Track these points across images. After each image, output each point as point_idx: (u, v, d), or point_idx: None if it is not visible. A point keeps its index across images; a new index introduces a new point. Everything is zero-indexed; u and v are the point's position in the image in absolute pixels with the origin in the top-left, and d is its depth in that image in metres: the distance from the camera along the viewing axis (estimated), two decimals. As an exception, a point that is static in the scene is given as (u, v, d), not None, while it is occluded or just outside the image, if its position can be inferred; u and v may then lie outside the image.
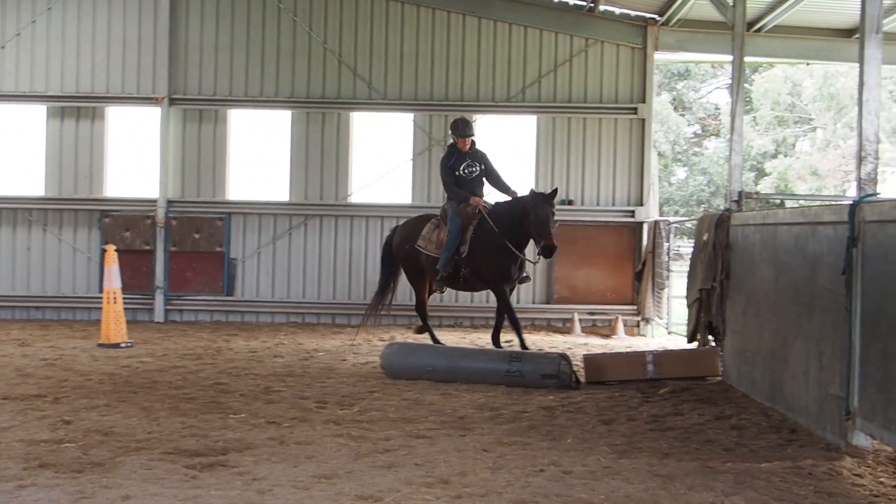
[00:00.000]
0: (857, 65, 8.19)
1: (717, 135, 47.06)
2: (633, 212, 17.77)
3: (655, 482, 6.57)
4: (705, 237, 11.62)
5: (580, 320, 17.37)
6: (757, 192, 12.86)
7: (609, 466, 7.05)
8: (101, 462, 6.94)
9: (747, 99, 39.30)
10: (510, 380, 10.76)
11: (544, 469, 6.94)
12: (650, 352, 11.65)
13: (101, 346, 14.01)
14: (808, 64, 27.85)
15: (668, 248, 16.76)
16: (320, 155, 18.25)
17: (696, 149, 48.61)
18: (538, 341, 15.61)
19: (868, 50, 8.03)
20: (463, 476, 6.70)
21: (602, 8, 17.92)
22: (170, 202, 18.16)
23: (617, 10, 18.04)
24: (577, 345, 15.25)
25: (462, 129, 13.88)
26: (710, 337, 11.89)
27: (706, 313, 11.71)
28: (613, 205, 17.99)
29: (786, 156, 43.37)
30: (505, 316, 13.45)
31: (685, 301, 12.87)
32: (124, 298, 14.83)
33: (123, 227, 18.21)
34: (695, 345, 12.30)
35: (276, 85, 18.28)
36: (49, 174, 18.43)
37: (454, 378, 10.93)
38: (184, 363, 12.46)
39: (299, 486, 6.37)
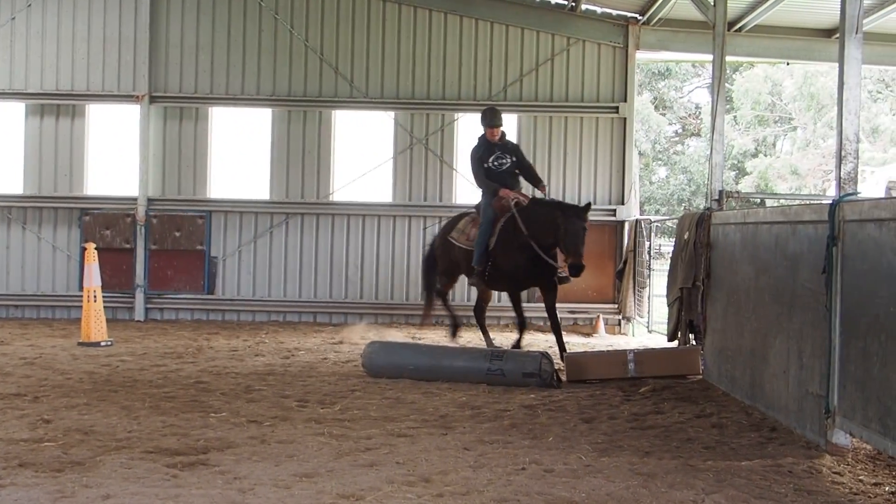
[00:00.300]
0: (837, 65, 8.23)
1: (698, 134, 47.24)
2: (614, 211, 17.81)
3: (636, 480, 6.58)
4: (686, 236, 11.66)
5: (561, 319, 17.37)
6: (737, 192, 12.86)
7: (590, 465, 7.07)
8: (82, 461, 6.91)
9: (728, 98, 39.40)
10: (491, 378, 10.76)
11: (526, 467, 6.94)
12: (631, 350, 11.68)
13: (81, 344, 13.94)
14: (788, 64, 27.95)
15: (650, 247, 16.81)
16: (301, 153, 18.21)
17: (677, 148, 48.77)
18: (514, 339, 15.59)
19: (848, 50, 8.06)
20: (444, 475, 6.70)
21: (583, 7, 17.96)
22: (150, 200, 18.09)
23: (598, 10, 18.07)
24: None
25: (490, 119, 13.49)
26: (690, 336, 11.93)
27: (687, 312, 11.76)
28: (595, 204, 17.99)
29: (766, 155, 43.56)
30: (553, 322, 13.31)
31: (666, 300, 12.92)
32: (104, 297, 14.76)
33: (103, 225, 18.13)
34: (675, 343, 12.35)
35: (258, 83, 18.24)
36: (28, 172, 18.32)
37: (436, 377, 10.93)
38: (164, 362, 12.42)
39: (280, 485, 6.36)
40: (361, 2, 18.15)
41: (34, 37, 18.35)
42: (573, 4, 17.95)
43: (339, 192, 18.19)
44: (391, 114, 18.20)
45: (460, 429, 8.41)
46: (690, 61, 36.38)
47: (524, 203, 13.04)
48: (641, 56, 18.57)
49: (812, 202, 10.71)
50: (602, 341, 16.09)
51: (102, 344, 13.93)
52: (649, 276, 16.63)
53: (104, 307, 14.45)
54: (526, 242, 12.66)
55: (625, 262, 17.11)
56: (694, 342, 11.79)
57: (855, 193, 7.76)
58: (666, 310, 13.19)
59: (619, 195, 17.88)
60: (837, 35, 12.23)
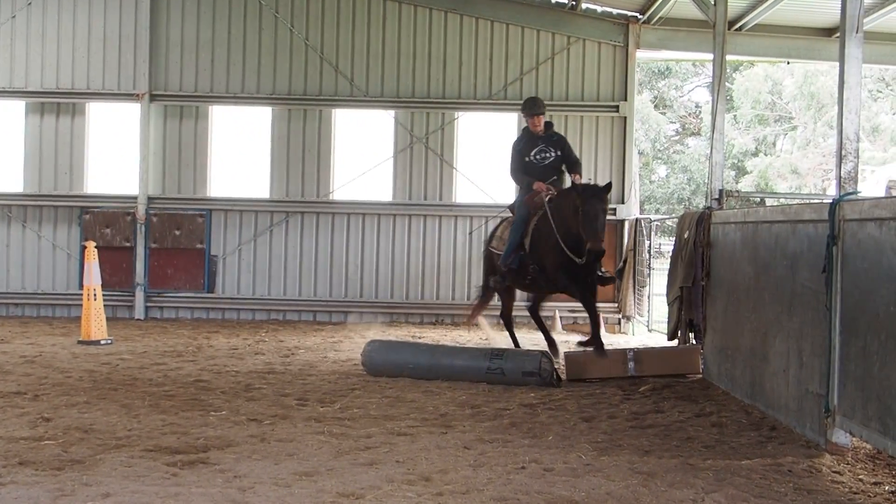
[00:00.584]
0: (838, 64, 8.23)
1: (698, 133, 47.24)
2: (614, 210, 17.78)
3: (636, 479, 6.58)
4: (686, 235, 11.66)
5: (561, 318, 17.38)
6: (737, 191, 12.87)
7: (590, 464, 7.07)
8: (82, 459, 6.91)
9: (728, 97, 39.40)
10: (491, 377, 10.76)
11: (525, 466, 6.94)
12: (631, 349, 11.68)
13: (80, 343, 13.94)
14: (788, 63, 27.95)
15: (649, 246, 16.80)
16: (301, 152, 18.21)
17: (677, 147, 48.76)
18: (519, 339, 15.60)
19: (848, 49, 8.06)
20: (444, 473, 6.70)
21: (584, 6, 17.97)
22: (150, 199, 18.09)
23: (599, 9, 18.07)
24: (559, 342, 15.25)
25: (531, 107, 12.46)
26: (690, 335, 11.93)
27: (687, 311, 11.76)
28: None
29: (766, 154, 43.56)
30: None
31: (666, 299, 12.91)
32: (104, 295, 14.76)
33: (103, 223, 18.12)
34: (675, 342, 12.34)
35: (258, 81, 18.23)
36: (28, 170, 18.32)
37: (435, 375, 10.93)
38: (164, 360, 12.42)
39: (280, 484, 6.36)
40: (362, 0, 18.15)
41: (34, 35, 18.34)
42: (573, 3, 17.96)
43: (340, 191, 18.19)
44: (391, 112, 18.20)
45: (460, 427, 8.41)
46: (691, 60, 36.38)
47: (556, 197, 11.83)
48: (642, 55, 18.57)
49: (812, 201, 10.72)
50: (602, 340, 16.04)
51: (102, 342, 13.93)
52: (649, 275, 16.63)
53: (104, 305, 14.45)
54: (555, 241, 11.50)
55: (625, 262, 17.10)
56: (694, 341, 11.79)
57: (855, 193, 7.76)
58: (666, 309, 13.18)
59: (618, 194, 17.86)
60: (838, 34, 12.23)
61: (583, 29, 18.03)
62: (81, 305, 14.44)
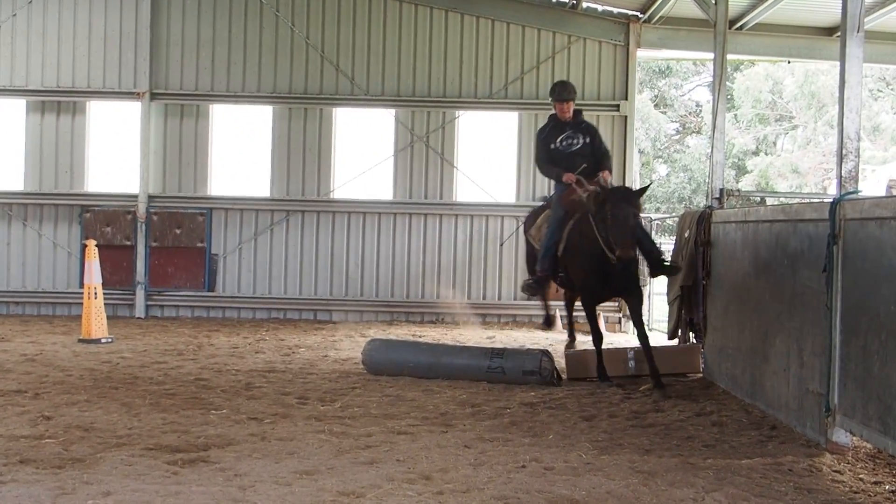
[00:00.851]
0: (838, 63, 8.23)
1: (699, 132, 47.20)
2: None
3: (636, 478, 6.58)
4: (687, 234, 11.65)
5: (562, 316, 17.36)
6: (738, 190, 12.85)
7: (590, 463, 7.07)
8: (82, 458, 6.91)
9: (728, 97, 39.41)
10: (492, 376, 10.76)
11: (526, 465, 6.95)
12: (631, 348, 11.66)
13: (81, 341, 13.94)
14: (789, 62, 27.92)
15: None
16: (302, 151, 18.21)
17: (678, 146, 48.73)
18: (520, 337, 15.63)
19: (849, 48, 8.06)
20: (444, 472, 6.70)
21: (585, 5, 17.97)
22: (151, 197, 18.09)
23: (599, 7, 18.07)
24: (559, 341, 15.25)
25: (559, 92, 11.71)
26: (691, 334, 11.93)
27: (687, 310, 11.75)
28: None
29: (767, 153, 43.53)
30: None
31: (666, 298, 12.91)
32: (105, 294, 14.75)
33: (104, 222, 18.12)
34: (676, 341, 12.34)
35: (258, 80, 18.23)
36: (29, 169, 18.32)
37: (436, 374, 10.93)
38: (165, 359, 12.42)
39: (281, 483, 6.36)
40: (362, -1, 18.19)
41: (35, 33, 18.34)
42: (574, 2, 17.96)
43: (340, 190, 18.19)
44: (392, 111, 18.20)
45: (460, 426, 8.41)
46: (691, 59, 36.31)
47: (594, 191, 10.72)
48: (642, 54, 18.57)
49: (813, 200, 10.71)
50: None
51: (103, 341, 13.93)
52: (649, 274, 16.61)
53: (105, 304, 14.45)
54: (596, 248, 10.54)
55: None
56: (694, 340, 11.79)
57: (856, 192, 7.76)
58: (666, 308, 13.18)
59: (619, 193, 17.82)
60: (839, 33, 12.22)
61: (583, 28, 18.03)
62: (82, 304, 14.43)
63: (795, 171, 40.09)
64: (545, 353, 10.95)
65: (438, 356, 11.23)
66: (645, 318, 16.47)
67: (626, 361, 11.26)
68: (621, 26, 17.90)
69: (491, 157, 18.15)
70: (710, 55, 12.89)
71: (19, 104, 18.42)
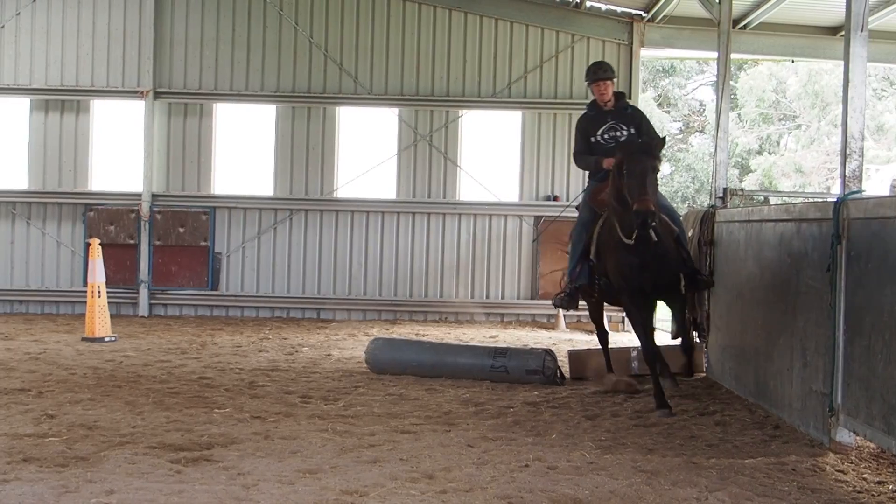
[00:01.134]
0: (843, 62, 8.21)
1: (702, 131, 47.15)
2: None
3: (640, 478, 6.58)
4: (690, 234, 11.64)
5: (565, 316, 17.37)
6: (741, 189, 12.83)
7: (594, 462, 7.06)
8: (86, 456, 6.91)
9: (732, 96, 39.32)
10: (495, 375, 10.76)
11: (529, 464, 6.94)
12: (634, 348, 11.64)
13: (85, 340, 13.96)
14: (793, 61, 27.89)
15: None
16: (305, 149, 18.21)
17: (681, 145, 48.69)
18: (523, 337, 15.63)
19: (853, 48, 8.04)
20: (448, 471, 6.70)
21: (588, 4, 17.97)
22: (154, 196, 18.10)
23: (603, 7, 18.06)
24: (562, 340, 15.27)
25: (594, 71, 10.21)
26: (694, 333, 11.91)
27: (691, 309, 11.73)
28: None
29: (770, 153, 43.47)
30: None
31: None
32: (108, 292, 14.75)
33: (107, 220, 18.14)
34: (679, 341, 12.31)
35: (262, 79, 18.24)
36: (33, 167, 18.34)
37: (439, 373, 10.93)
38: (168, 357, 12.43)
39: (284, 481, 6.37)
40: (366, -2, 18.19)
41: (39, 32, 18.35)
42: (578, 1, 17.96)
43: (343, 189, 18.20)
44: (395, 110, 18.20)
45: (464, 425, 8.41)
46: (695, 59, 36.27)
47: None
48: (646, 53, 18.56)
49: (816, 200, 10.70)
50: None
51: (106, 339, 13.94)
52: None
53: (108, 303, 14.46)
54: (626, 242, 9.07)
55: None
56: (698, 340, 11.78)
57: (859, 191, 7.75)
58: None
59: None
60: (843, 33, 12.21)
61: (587, 27, 18.02)
62: (85, 302, 14.45)
63: (799, 171, 40.04)
64: (548, 353, 10.95)
65: (441, 355, 11.23)
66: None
67: (629, 361, 11.25)
68: (625, 25, 17.90)
69: (494, 157, 18.16)
70: (714, 54, 12.86)
71: (23, 103, 18.44)
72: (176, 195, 18.21)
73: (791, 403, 8.33)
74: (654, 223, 8.57)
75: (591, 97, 10.54)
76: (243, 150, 18.44)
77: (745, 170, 43.20)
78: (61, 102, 18.33)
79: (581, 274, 9.93)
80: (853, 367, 7.00)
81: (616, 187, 8.95)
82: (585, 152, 10.17)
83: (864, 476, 6.85)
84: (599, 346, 11.03)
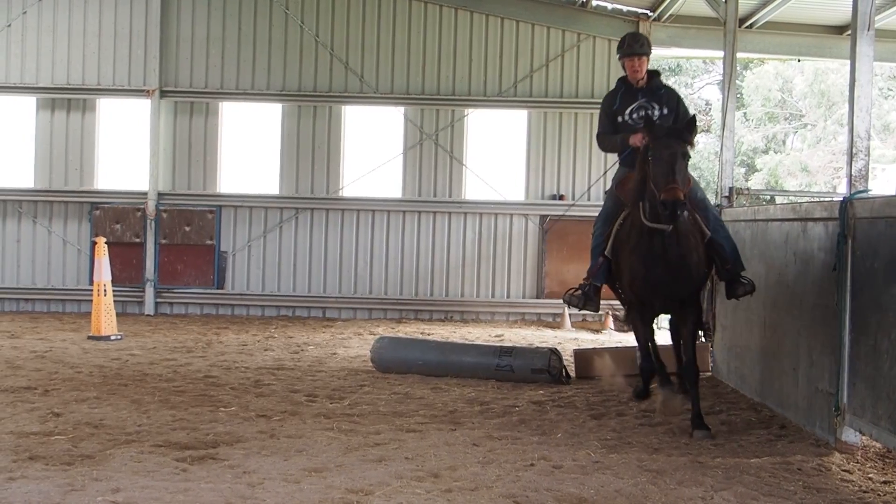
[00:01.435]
0: (849, 62, 8.20)
1: (708, 130, 47.09)
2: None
3: (645, 477, 6.58)
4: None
5: (570, 315, 17.36)
6: (747, 188, 12.81)
7: (599, 461, 7.06)
8: (92, 454, 6.92)
9: (738, 95, 39.31)
10: (500, 374, 10.76)
11: (534, 463, 6.94)
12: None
13: (91, 338, 13.97)
14: (799, 60, 27.85)
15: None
16: (311, 148, 18.22)
17: (687, 144, 48.58)
18: (528, 336, 15.63)
19: (860, 47, 8.03)
20: (453, 470, 6.70)
21: (594, 3, 17.95)
22: (160, 195, 18.11)
23: (609, 6, 18.05)
24: (568, 339, 15.26)
25: (629, 44, 9.27)
26: (700, 332, 11.90)
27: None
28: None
29: (776, 152, 43.42)
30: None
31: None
32: (114, 291, 14.78)
33: (114, 219, 18.16)
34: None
35: (268, 78, 18.25)
36: (39, 166, 18.36)
37: (444, 372, 10.94)
38: (174, 356, 12.44)
39: (290, 480, 6.37)
40: (372, -3, 18.19)
41: (45, 31, 18.37)
42: (584, 0, 17.92)
43: (349, 188, 18.20)
44: (401, 109, 18.20)
45: (469, 424, 8.41)
46: (701, 58, 36.23)
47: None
48: (652, 52, 18.48)
49: (822, 199, 10.69)
50: (611, 338, 16.05)
51: (112, 338, 13.96)
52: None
53: (114, 301, 14.48)
54: (645, 230, 8.11)
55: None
56: (703, 339, 11.77)
57: (866, 191, 7.73)
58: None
59: (628, 191, 17.79)
60: (849, 32, 12.18)
61: (593, 26, 18.00)
62: (91, 301, 14.47)
63: (805, 170, 39.98)
64: (554, 352, 10.95)
65: (447, 354, 11.24)
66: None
67: (634, 361, 11.22)
68: (631, 24, 17.84)
69: (500, 156, 18.15)
70: (720, 53, 12.85)
71: (29, 102, 18.47)
72: (182, 194, 18.22)
73: (797, 403, 8.32)
74: (682, 213, 7.65)
75: (620, 76, 9.60)
76: (249, 148, 18.45)
77: (751, 169, 43.16)
78: (68, 101, 18.35)
79: (600, 272, 8.93)
80: (859, 367, 6.99)
81: (641, 175, 8.07)
82: (611, 133, 9.19)
83: (870, 476, 6.84)
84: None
